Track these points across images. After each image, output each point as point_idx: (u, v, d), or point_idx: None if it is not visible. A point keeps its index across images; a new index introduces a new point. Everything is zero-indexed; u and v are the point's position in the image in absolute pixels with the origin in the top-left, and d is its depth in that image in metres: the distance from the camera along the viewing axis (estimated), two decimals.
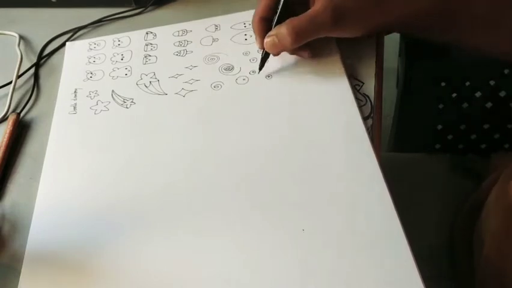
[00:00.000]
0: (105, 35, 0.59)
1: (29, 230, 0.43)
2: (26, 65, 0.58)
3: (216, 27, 0.57)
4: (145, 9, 0.62)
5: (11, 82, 0.55)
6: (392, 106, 0.76)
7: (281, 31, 0.46)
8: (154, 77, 0.53)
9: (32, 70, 0.58)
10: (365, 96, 0.47)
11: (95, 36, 0.60)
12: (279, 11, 0.47)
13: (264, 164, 0.43)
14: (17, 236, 0.43)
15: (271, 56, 0.49)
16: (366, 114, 0.45)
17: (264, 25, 0.48)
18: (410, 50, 0.69)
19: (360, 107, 0.46)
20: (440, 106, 0.71)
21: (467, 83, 0.68)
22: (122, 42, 0.58)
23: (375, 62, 0.49)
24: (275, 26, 0.47)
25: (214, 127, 0.47)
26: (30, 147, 0.50)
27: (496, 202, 0.50)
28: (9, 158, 0.49)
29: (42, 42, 0.60)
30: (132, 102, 0.51)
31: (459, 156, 0.69)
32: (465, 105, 0.69)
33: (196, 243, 0.39)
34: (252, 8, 0.50)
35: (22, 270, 0.40)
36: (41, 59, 0.59)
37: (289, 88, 0.48)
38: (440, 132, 0.73)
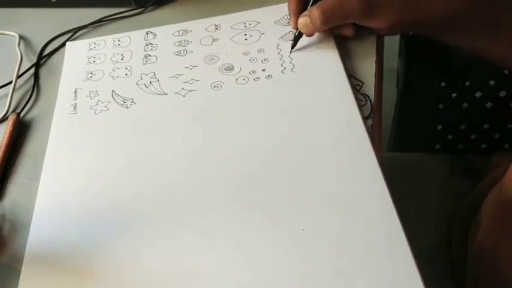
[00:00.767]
0: (105, 35, 0.59)
1: (29, 230, 0.43)
2: (26, 65, 0.58)
3: (216, 27, 0.57)
4: (145, 9, 0.62)
5: (11, 82, 0.55)
6: (392, 106, 0.76)
7: (313, 12, 0.48)
8: (154, 77, 0.53)
9: (32, 70, 0.58)
10: (365, 96, 0.47)
11: (95, 36, 0.60)
12: None
13: (264, 164, 0.43)
14: (17, 236, 0.43)
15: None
16: (366, 114, 0.45)
17: (299, 5, 0.51)
18: (410, 50, 0.69)
19: (360, 107, 0.46)
20: (440, 106, 0.71)
21: (467, 83, 0.68)
22: (122, 42, 0.58)
23: (375, 62, 0.49)
24: (310, 6, 0.49)
25: (214, 127, 0.47)
26: (30, 147, 0.50)
27: (492, 199, 0.50)
28: (9, 158, 0.49)
29: (42, 42, 0.60)
30: (132, 102, 0.51)
31: (459, 156, 0.69)
32: (465, 105, 0.69)
33: (196, 243, 0.39)
34: (252, 8, 0.50)
35: (22, 270, 0.40)
36: (41, 59, 0.59)
37: (289, 88, 0.48)
38: (440, 132, 0.73)
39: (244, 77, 0.50)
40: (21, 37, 0.61)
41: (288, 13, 0.54)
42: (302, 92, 0.48)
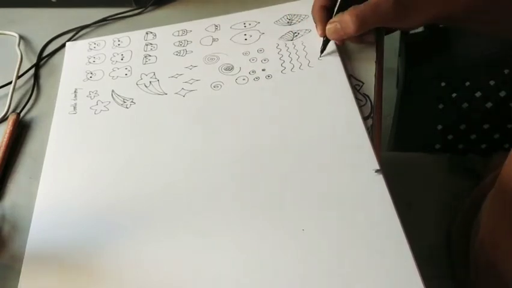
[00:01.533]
0: (105, 35, 0.60)
1: (28, 230, 0.43)
2: (26, 65, 0.58)
3: (216, 27, 0.57)
4: (145, 9, 0.62)
5: (11, 82, 0.55)
6: (392, 106, 0.76)
7: (344, 18, 0.47)
8: (154, 77, 0.53)
9: (32, 70, 0.58)
10: (365, 96, 0.47)
11: (95, 36, 0.60)
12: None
13: (264, 164, 0.43)
14: (17, 236, 0.43)
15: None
16: (366, 114, 0.45)
17: (325, 13, 0.50)
18: (410, 50, 0.69)
19: (360, 107, 0.46)
20: (440, 106, 0.71)
21: (467, 83, 0.68)
22: (122, 42, 0.58)
23: (375, 62, 0.49)
24: (336, 13, 0.48)
25: (214, 127, 0.47)
26: (30, 147, 0.50)
27: (490, 197, 0.50)
28: (9, 158, 0.49)
29: (42, 42, 0.60)
30: (132, 102, 0.51)
31: (459, 156, 0.69)
32: (465, 105, 0.69)
33: (196, 243, 0.39)
34: (252, 8, 0.50)
35: (22, 270, 0.40)
36: (41, 59, 0.59)
37: (289, 88, 0.48)
38: (440, 132, 0.73)
39: (244, 77, 0.50)
40: (21, 37, 0.61)
41: (288, 13, 0.53)
42: (302, 92, 0.48)
